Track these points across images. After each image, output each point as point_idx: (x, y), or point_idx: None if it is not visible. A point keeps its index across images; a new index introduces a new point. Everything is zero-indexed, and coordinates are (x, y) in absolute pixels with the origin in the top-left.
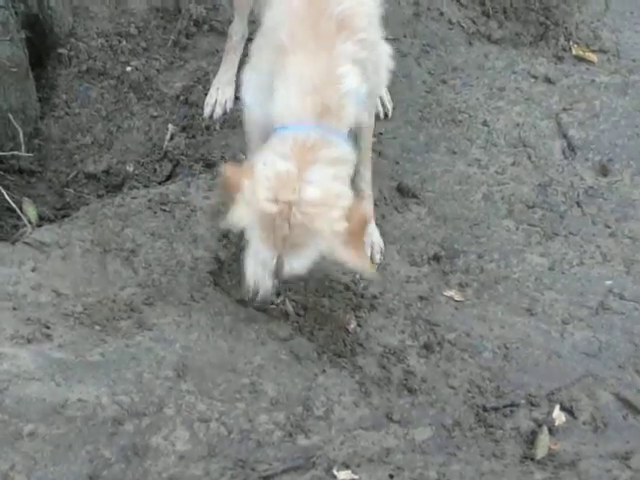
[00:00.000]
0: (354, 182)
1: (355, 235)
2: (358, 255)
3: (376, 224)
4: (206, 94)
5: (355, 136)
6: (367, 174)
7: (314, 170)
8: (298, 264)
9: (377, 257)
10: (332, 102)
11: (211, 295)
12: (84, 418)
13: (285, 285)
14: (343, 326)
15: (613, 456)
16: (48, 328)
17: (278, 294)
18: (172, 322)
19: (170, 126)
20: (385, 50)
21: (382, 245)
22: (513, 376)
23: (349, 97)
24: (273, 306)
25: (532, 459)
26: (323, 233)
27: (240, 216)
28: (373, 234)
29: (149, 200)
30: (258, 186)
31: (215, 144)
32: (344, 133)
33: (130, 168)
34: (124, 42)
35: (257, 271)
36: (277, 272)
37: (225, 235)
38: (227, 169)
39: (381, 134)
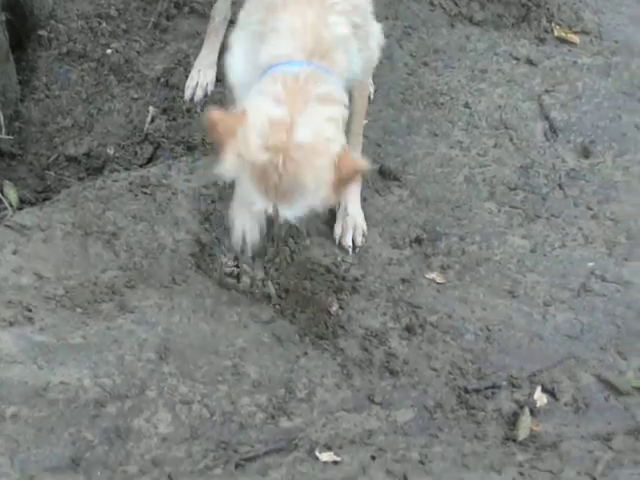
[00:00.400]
0: None
1: (344, 184)
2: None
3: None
4: (187, 76)
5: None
6: (357, 156)
7: (307, 111)
8: (290, 214)
9: (359, 240)
10: (323, 43)
11: (193, 278)
12: (66, 401)
13: (267, 264)
14: (325, 309)
15: (595, 437)
16: (30, 311)
17: (261, 275)
18: (154, 305)
19: (151, 108)
20: (376, 26)
21: (365, 228)
22: (495, 358)
23: (339, 42)
24: (256, 290)
25: (514, 440)
26: (310, 184)
27: (231, 166)
28: (357, 217)
29: (130, 183)
30: (251, 134)
31: (196, 127)
32: (336, 74)
33: (111, 151)
34: (104, 24)
35: (246, 223)
36: (273, 220)
37: (206, 218)
38: (214, 115)
39: None
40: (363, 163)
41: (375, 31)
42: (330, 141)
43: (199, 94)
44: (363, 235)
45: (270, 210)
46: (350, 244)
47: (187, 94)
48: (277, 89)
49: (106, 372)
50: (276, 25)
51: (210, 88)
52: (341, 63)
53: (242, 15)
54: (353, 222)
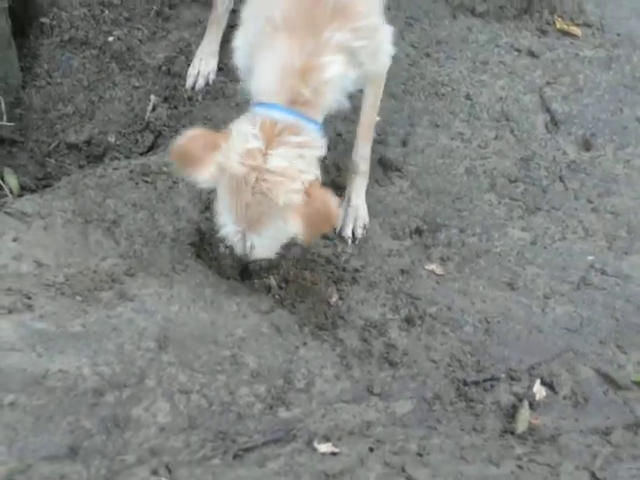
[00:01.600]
0: (350, 157)
1: (314, 212)
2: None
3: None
4: (189, 65)
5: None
6: (365, 150)
7: (280, 149)
8: (260, 243)
9: (360, 232)
10: (309, 89)
11: (192, 267)
12: (65, 389)
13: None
14: (325, 299)
15: (593, 431)
16: (29, 298)
17: (261, 267)
18: (153, 293)
19: (152, 97)
20: (386, 35)
21: (367, 220)
22: (494, 350)
23: (330, 85)
24: (255, 280)
25: (512, 433)
26: (279, 203)
27: (210, 176)
28: (360, 209)
29: (131, 171)
30: (232, 150)
31: (197, 115)
32: (316, 121)
33: (112, 139)
34: (106, 12)
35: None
36: (242, 248)
37: (207, 207)
38: (194, 131)
39: None
40: (334, 200)
41: (384, 42)
42: (302, 172)
43: (200, 83)
44: (364, 227)
45: (239, 237)
46: (350, 235)
47: (189, 82)
48: (255, 131)
49: (105, 360)
50: (270, 48)
51: (212, 77)
52: (329, 99)
53: (244, 14)
54: (355, 213)
